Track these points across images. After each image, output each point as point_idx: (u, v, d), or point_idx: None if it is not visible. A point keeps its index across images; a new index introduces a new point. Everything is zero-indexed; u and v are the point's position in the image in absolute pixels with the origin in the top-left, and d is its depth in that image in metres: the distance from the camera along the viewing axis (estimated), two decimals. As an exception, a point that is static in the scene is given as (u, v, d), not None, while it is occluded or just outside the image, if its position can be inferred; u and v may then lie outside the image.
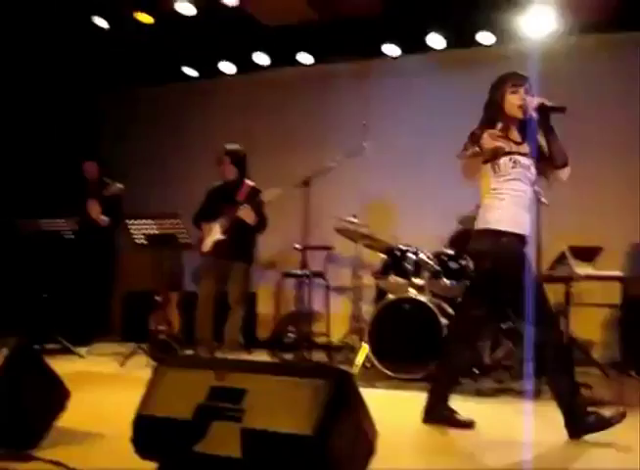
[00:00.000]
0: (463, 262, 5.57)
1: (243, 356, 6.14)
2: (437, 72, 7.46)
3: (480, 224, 3.84)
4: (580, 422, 3.53)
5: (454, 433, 3.79)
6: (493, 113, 3.78)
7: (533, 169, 3.75)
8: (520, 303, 3.63)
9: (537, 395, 4.64)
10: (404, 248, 5.67)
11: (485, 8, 6.55)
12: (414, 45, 7.23)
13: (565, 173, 3.76)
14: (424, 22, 6.94)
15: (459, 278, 5.54)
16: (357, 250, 6.24)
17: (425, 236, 6.25)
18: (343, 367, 5.53)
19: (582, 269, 5.32)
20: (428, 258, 5.58)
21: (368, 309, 5.93)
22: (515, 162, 3.67)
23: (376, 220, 6.40)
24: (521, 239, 3.75)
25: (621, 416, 3.48)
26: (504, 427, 3.97)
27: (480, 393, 4.80)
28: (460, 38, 7.07)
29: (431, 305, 5.24)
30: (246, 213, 5.90)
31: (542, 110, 3.63)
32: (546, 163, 3.76)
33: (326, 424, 2.16)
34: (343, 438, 2.23)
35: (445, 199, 6.82)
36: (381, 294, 6.01)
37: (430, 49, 7.15)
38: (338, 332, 6.74)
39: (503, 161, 3.65)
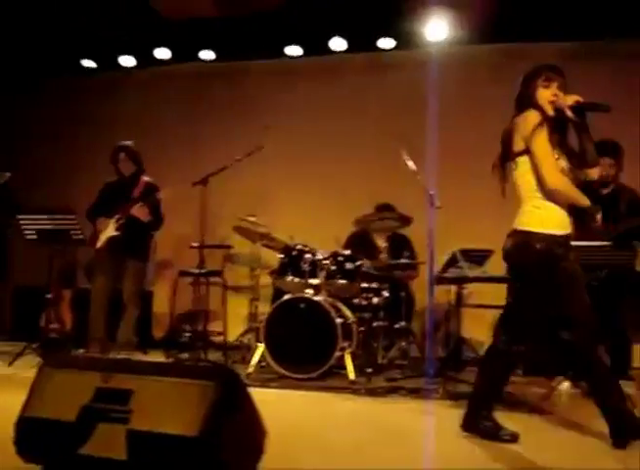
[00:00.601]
0: (358, 263, 5.65)
1: (137, 356, 6.04)
2: (338, 75, 7.54)
3: (519, 225, 3.58)
4: (477, 422, 3.60)
5: (347, 430, 3.84)
6: (525, 107, 3.54)
7: (568, 162, 3.53)
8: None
9: (428, 393, 4.75)
10: (301, 248, 5.70)
11: (387, 13, 6.65)
12: (316, 47, 7.28)
13: (595, 173, 3.59)
14: (326, 24, 6.98)
15: (354, 278, 5.62)
16: (255, 249, 6.24)
17: (322, 236, 6.31)
18: (239, 367, 5.55)
19: (473, 271, 5.49)
20: (324, 258, 5.63)
21: (265, 309, 5.93)
22: (559, 155, 3.49)
23: (274, 220, 6.40)
24: (560, 240, 3.48)
25: (514, 438, 3.54)
26: (396, 424, 4.04)
27: (372, 392, 4.86)
28: (361, 42, 7.16)
29: (325, 305, 5.28)
30: (139, 211, 5.82)
31: (579, 108, 3.44)
32: (576, 161, 3.54)
33: (213, 425, 2.15)
34: (231, 439, 2.22)
35: (342, 200, 6.91)
36: (278, 293, 6.03)
37: (331, 51, 7.20)
38: (234, 331, 6.71)
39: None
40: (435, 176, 5.96)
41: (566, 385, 4.99)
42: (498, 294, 6.26)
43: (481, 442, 3.57)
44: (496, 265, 5.83)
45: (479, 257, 5.63)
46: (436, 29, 6.63)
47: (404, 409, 4.46)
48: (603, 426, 3.54)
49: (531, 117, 3.45)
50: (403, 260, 5.89)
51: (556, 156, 3.45)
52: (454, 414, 4.06)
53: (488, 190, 6.71)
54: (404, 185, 5.81)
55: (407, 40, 7.00)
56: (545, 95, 3.50)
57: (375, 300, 5.66)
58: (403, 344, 5.66)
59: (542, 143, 3.41)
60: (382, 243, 5.95)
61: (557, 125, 3.51)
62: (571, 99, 3.44)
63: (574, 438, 3.74)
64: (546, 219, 3.46)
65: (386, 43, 7.08)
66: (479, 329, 6.58)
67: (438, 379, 5.14)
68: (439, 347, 6.08)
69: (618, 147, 5.34)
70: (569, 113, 3.43)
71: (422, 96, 6.86)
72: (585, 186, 3.63)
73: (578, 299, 3.50)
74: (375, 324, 5.65)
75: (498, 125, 6.79)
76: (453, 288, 5.84)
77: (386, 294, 5.66)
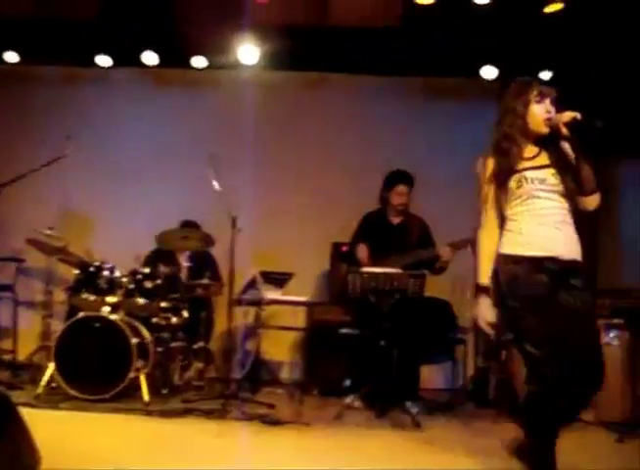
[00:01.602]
0: (158, 281, 5.55)
1: None
2: (150, 89, 7.41)
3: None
4: None
5: (135, 453, 3.73)
6: (513, 123, 3.26)
7: (553, 180, 3.18)
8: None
9: (223, 414, 4.72)
10: (99, 264, 5.51)
11: (199, 32, 6.62)
12: (127, 59, 7.10)
13: (593, 201, 3.22)
14: (138, 37, 6.84)
15: (153, 297, 5.50)
16: (51, 263, 5.97)
17: (121, 253, 6.15)
18: (29, 387, 5.26)
19: (271, 294, 5.56)
20: (123, 275, 5.47)
21: (59, 326, 5.66)
22: (519, 181, 3.18)
23: (72, 234, 6.16)
24: (534, 262, 3.16)
25: None
26: (189, 446, 3.99)
27: (165, 413, 4.77)
28: (174, 58, 7.08)
29: (121, 325, 5.12)
30: None
31: (575, 125, 3.11)
32: (574, 186, 3.20)
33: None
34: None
35: (145, 217, 6.78)
36: (73, 311, 5.78)
37: (143, 65, 7.06)
38: (25, 349, 6.36)
39: (510, 183, 3.21)
40: (242, 197, 6.02)
41: (357, 404, 5.15)
42: (298, 316, 6.45)
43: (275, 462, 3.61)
44: (298, 288, 6.00)
45: (279, 279, 5.71)
46: (248, 53, 6.69)
47: (198, 431, 4.41)
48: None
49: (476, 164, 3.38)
50: (204, 281, 5.86)
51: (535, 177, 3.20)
52: (249, 435, 4.10)
53: (292, 213, 6.99)
54: (211, 205, 5.77)
55: (220, 61, 7.01)
56: (538, 111, 3.23)
57: (174, 319, 5.58)
58: (201, 364, 5.60)
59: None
60: (184, 261, 5.88)
61: (550, 143, 3.26)
62: (567, 115, 3.13)
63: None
64: (515, 242, 3.23)
65: (198, 62, 7.04)
66: (277, 350, 6.70)
67: (235, 400, 5.13)
68: (237, 368, 6.08)
69: (412, 177, 5.64)
70: (564, 130, 3.14)
71: (234, 116, 6.94)
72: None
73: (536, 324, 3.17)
74: (173, 344, 5.56)
75: (309, 149, 7.10)
76: (253, 309, 5.89)
77: (185, 314, 5.60)
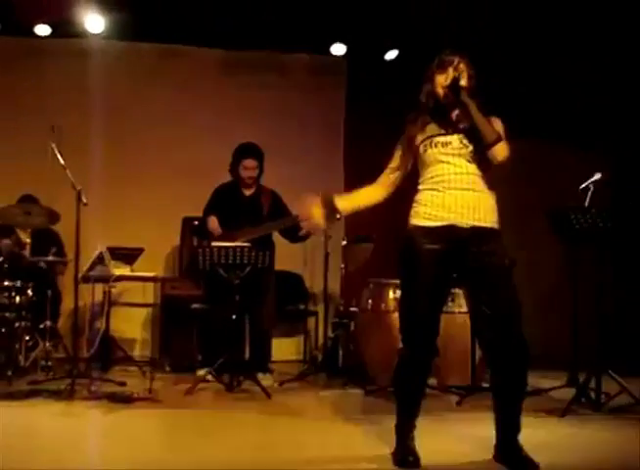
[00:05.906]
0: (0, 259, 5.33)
1: None
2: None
3: None
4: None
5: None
6: (426, 99, 3.23)
7: (458, 143, 3.11)
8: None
9: (71, 394, 4.59)
10: None
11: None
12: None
13: (499, 151, 3.07)
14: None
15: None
16: None
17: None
18: None
19: (120, 270, 5.45)
20: None
21: None
22: (426, 145, 3.15)
23: None
24: (430, 232, 3.10)
25: None
26: (35, 428, 3.85)
27: (12, 396, 4.58)
28: (15, 27, 6.73)
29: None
30: None
31: (453, 85, 3.10)
32: (480, 143, 3.11)
33: None
34: None
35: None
36: None
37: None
38: None
39: (420, 150, 3.17)
40: (89, 170, 5.86)
41: (209, 378, 5.14)
42: (149, 292, 6.37)
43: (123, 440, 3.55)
44: (147, 264, 5.91)
45: (128, 255, 5.61)
46: (94, 21, 6.48)
47: (44, 412, 4.25)
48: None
49: None
50: (49, 258, 5.66)
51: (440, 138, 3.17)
52: (97, 414, 4.02)
53: (142, 187, 6.86)
54: (55, 179, 5.55)
55: (64, 29, 6.73)
56: (440, 82, 3.18)
57: (18, 299, 5.37)
58: (48, 344, 5.43)
59: None
60: (25, 238, 5.65)
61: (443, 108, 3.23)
62: (449, 78, 3.14)
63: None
64: (414, 213, 3.20)
65: (42, 30, 6.74)
66: (128, 327, 6.60)
67: (84, 380, 5.00)
68: (86, 346, 5.93)
69: (261, 150, 5.68)
70: (441, 92, 3.17)
71: (79, 87, 6.71)
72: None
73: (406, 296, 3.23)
74: (17, 324, 5.35)
75: (158, 122, 6.96)
76: (102, 286, 5.76)
77: (30, 292, 5.40)
